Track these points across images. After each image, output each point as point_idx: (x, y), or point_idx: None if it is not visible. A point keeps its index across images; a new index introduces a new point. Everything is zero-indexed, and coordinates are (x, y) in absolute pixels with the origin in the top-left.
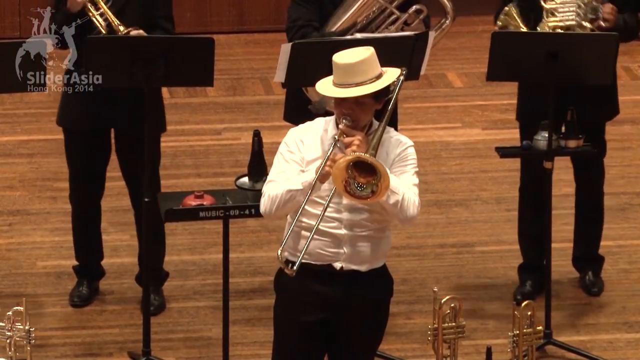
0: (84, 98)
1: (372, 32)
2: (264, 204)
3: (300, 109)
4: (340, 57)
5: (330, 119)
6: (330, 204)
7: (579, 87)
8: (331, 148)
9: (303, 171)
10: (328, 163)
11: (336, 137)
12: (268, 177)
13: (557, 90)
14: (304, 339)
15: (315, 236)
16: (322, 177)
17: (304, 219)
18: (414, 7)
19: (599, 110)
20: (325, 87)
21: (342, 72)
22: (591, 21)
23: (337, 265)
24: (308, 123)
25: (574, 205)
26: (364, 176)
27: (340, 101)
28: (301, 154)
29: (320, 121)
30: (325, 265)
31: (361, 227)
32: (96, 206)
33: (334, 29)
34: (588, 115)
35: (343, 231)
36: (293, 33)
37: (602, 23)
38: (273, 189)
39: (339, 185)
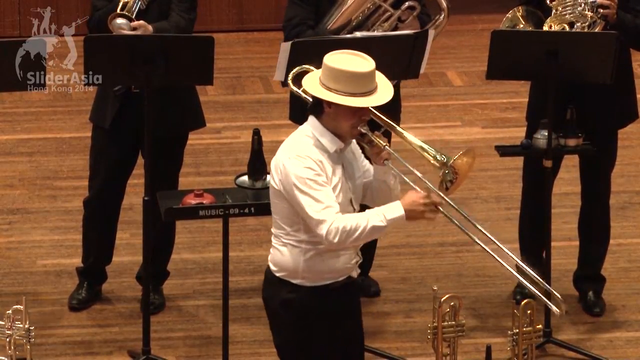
0: (118, 97)
1: (367, 29)
2: (337, 235)
3: (304, 109)
4: (353, 65)
5: (313, 136)
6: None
7: (587, 89)
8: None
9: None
10: (426, 208)
11: (387, 147)
12: (315, 204)
13: (559, 90)
14: (341, 353)
15: (342, 252)
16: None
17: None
18: (407, 4)
19: (607, 115)
20: (346, 98)
21: (362, 80)
22: (592, 9)
23: (354, 273)
24: (300, 146)
25: (578, 222)
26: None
27: (358, 109)
28: (325, 173)
29: (306, 141)
30: (346, 278)
31: None
32: (116, 206)
33: (328, 27)
34: (594, 120)
35: None
36: (288, 32)
37: (600, 10)
38: (345, 220)
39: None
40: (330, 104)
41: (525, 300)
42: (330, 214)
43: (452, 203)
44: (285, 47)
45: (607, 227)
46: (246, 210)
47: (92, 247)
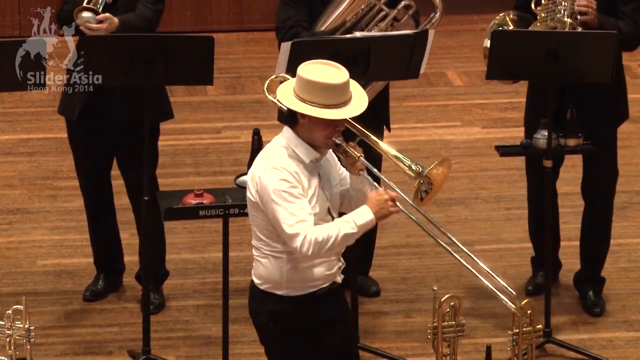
0: (84, 92)
1: (362, 29)
2: (310, 247)
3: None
4: (326, 76)
5: (288, 146)
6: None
7: (580, 88)
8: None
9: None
10: (391, 204)
11: (361, 157)
12: (289, 218)
13: (556, 91)
14: (336, 357)
15: (322, 260)
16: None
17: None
18: (402, 3)
19: (599, 113)
20: (320, 110)
21: (335, 92)
22: (571, 16)
23: (339, 279)
24: (276, 157)
25: (580, 223)
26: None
27: (332, 120)
28: (300, 184)
29: (282, 152)
30: (330, 284)
31: None
32: (104, 199)
33: (323, 28)
34: (586, 119)
35: None
36: (283, 34)
37: (578, 17)
38: (317, 232)
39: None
40: (304, 115)
41: (525, 300)
42: (303, 227)
43: (412, 202)
44: (286, 47)
45: (608, 229)
46: (246, 210)
47: (91, 237)
